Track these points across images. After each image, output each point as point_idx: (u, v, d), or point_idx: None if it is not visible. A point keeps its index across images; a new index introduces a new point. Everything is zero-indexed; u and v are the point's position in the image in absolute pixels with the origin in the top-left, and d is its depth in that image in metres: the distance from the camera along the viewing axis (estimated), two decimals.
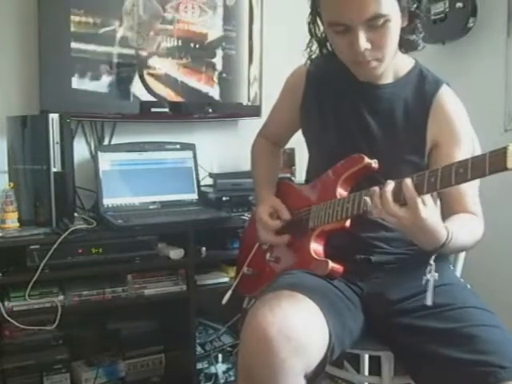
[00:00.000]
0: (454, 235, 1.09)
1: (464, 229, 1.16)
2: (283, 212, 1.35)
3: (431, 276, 1.09)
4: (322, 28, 1.27)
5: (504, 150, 0.90)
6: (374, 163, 1.20)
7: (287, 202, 1.39)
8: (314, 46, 1.32)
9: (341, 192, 1.24)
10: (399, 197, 1.03)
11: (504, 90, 2.16)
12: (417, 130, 1.27)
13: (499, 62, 2.16)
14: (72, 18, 1.99)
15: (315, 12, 1.24)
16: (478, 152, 1.37)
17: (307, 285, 1.17)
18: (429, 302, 1.09)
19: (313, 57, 1.35)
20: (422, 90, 1.29)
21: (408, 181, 1.02)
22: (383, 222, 1.26)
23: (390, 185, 1.04)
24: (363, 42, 1.14)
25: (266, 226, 1.36)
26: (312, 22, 1.28)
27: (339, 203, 1.20)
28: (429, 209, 1.03)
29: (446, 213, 1.24)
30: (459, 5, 2.15)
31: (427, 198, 1.03)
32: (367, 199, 1.08)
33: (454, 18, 2.17)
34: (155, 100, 2.19)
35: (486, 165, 0.92)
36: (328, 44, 1.29)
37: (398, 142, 1.28)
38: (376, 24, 1.13)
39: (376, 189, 1.06)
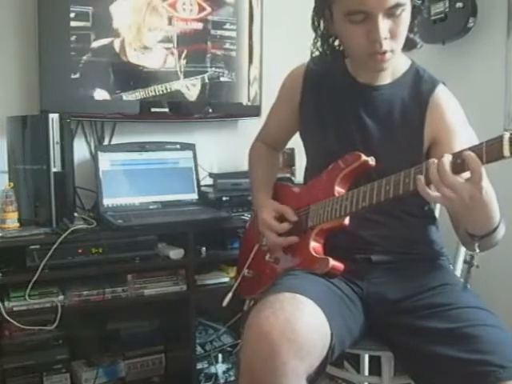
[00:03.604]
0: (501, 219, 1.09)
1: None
2: (289, 214, 1.34)
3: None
4: (326, 22, 1.26)
5: (500, 139, 0.90)
6: (371, 160, 1.20)
7: (286, 203, 1.38)
8: (318, 44, 1.32)
9: (339, 190, 1.24)
10: (457, 169, 0.98)
11: (504, 90, 2.15)
12: (414, 129, 1.27)
13: (499, 62, 2.16)
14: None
15: (323, 4, 1.23)
16: None
17: (308, 286, 1.17)
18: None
19: (314, 55, 1.34)
20: (418, 90, 1.29)
21: (470, 152, 0.96)
22: (382, 220, 1.26)
23: (448, 156, 0.99)
24: (384, 30, 1.14)
25: (274, 230, 1.35)
26: (317, 15, 1.27)
27: (337, 201, 1.20)
28: (488, 181, 1.00)
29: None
30: (459, 5, 2.15)
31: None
32: (420, 176, 1.02)
33: (454, 18, 2.17)
34: (155, 100, 2.19)
35: (483, 154, 0.93)
36: (331, 40, 1.29)
37: (396, 141, 1.28)
38: (395, 13, 1.14)
39: (433, 160, 1.01)
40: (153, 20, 2.14)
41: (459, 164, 0.98)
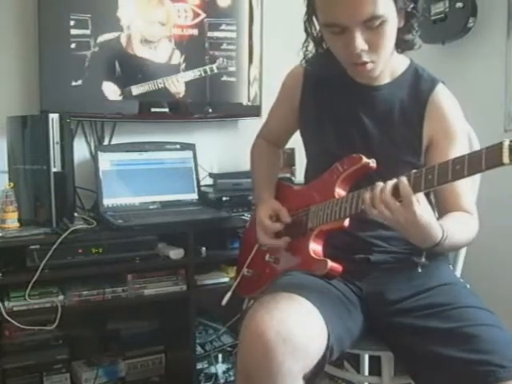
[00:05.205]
0: (449, 233, 1.10)
1: (459, 227, 1.17)
2: (284, 215, 1.35)
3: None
4: (317, 27, 1.27)
5: (500, 146, 0.90)
6: (372, 162, 1.20)
7: (286, 203, 1.38)
8: (311, 46, 1.32)
9: (339, 192, 1.23)
10: (398, 193, 1.04)
11: (504, 90, 2.16)
12: (413, 129, 1.27)
13: (499, 62, 2.16)
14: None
15: (311, 11, 1.24)
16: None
17: (305, 286, 1.17)
18: None
19: (309, 56, 1.34)
20: (417, 89, 1.29)
21: (404, 178, 1.04)
22: (381, 220, 1.25)
23: (392, 181, 1.06)
24: (359, 43, 1.13)
25: (265, 229, 1.35)
26: (308, 21, 1.27)
27: (338, 203, 1.20)
28: (422, 206, 1.04)
29: (441, 211, 1.24)
30: (459, 5, 2.15)
31: (421, 196, 1.04)
32: (366, 194, 1.08)
33: (454, 18, 2.17)
34: (155, 100, 2.19)
35: (482, 161, 0.93)
36: (324, 43, 1.29)
37: (395, 142, 1.28)
38: (372, 25, 1.12)
39: (379, 183, 1.07)
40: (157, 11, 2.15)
41: (398, 189, 1.04)
